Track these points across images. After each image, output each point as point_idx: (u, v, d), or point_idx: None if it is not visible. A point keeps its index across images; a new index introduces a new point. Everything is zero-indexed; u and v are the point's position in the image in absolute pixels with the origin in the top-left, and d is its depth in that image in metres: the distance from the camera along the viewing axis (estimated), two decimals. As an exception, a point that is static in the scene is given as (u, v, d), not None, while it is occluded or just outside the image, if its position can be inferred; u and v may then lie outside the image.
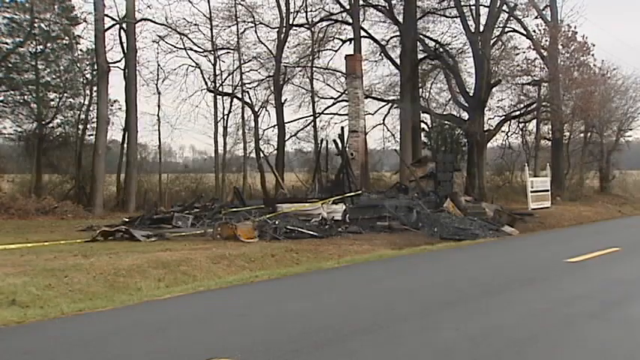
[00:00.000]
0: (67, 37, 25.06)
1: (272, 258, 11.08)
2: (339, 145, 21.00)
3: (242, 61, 27.57)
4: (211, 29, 27.06)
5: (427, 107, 30.51)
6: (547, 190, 23.74)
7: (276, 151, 28.37)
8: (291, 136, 29.13)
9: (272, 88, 28.18)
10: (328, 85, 29.79)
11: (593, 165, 33.18)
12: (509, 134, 30.65)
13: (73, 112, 26.19)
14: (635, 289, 8.31)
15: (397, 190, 20.34)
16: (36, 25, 23.46)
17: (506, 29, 27.91)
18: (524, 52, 26.51)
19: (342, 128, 21.92)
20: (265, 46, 28.43)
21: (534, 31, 26.79)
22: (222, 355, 5.07)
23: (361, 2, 27.78)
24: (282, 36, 27.66)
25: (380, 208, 16.72)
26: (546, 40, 25.77)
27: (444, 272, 10.35)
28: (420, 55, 28.75)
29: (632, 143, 34.68)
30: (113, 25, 24.37)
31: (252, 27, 28.27)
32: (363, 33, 28.10)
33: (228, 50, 27.84)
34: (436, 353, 5.17)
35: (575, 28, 25.46)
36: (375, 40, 29.77)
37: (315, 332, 5.83)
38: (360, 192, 18.76)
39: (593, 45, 25.17)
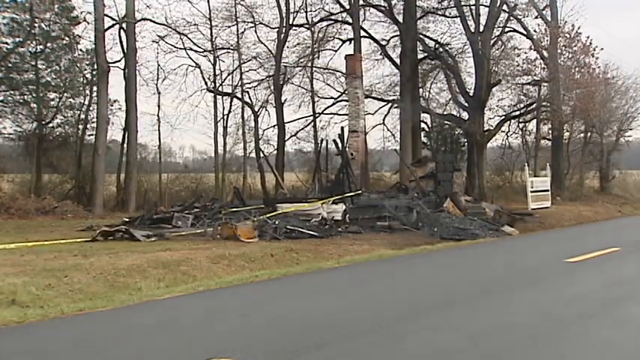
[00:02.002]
0: (67, 37, 25.06)
1: (272, 258, 11.09)
2: (339, 145, 21.01)
3: (242, 61, 27.61)
4: (211, 29, 27.14)
5: (427, 107, 30.50)
6: (547, 190, 23.73)
7: (276, 151, 28.39)
8: (291, 136, 29.18)
9: (272, 88, 28.19)
10: (328, 85, 29.87)
11: (593, 165, 33.18)
12: (509, 134, 30.70)
13: (73, 112, 26.25)
14: (635, 289, 8.31)
15: (397, 190, 20.36)
16: (36, 25, 23.46)
17: (506, 29, 27.94)
18: (525, 53, 26.55)
19: (342, 128, 21.96)
20: (265, 46, 28.50)
21: (535, 31, 26.83)
22: (222, 355, 5.07)
23: (361, 2, 27.78)
24: (282, 36, 27.67)
25: (380, 208, 16.74)
26: (547, 40, 25.76)
27: (443, 272, 10.35)
28: (420, 55, 28.76)
29: (632, 143, 34.71)
30: (113, 25, 24.41)
31: (252, 27, 28.36)
32: (363, 33, 28.12)
33: (228, 50, 27.90)
34: (436, 353, 5.17)
35: (579, 28, 25.50)
36: (375, 40, 29.80)
37: (315, 332, 5.84)
38: (360, 192, 18.78)
39: (602, 49, 25.20)
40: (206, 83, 27.43)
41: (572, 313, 6.64)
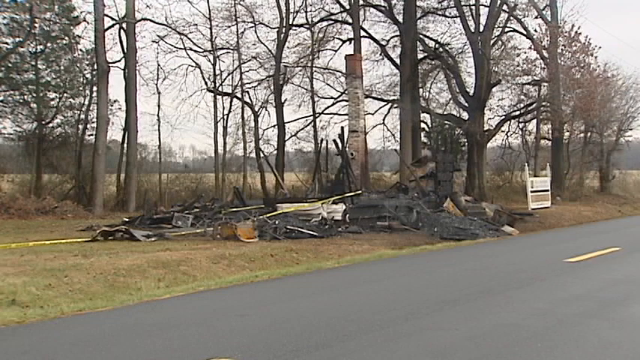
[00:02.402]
0: (67, 37, 25.08)
1: (272, 258, 11.09)
2: (339, 145, 21.01)
3: (242, 61, 27.61)
4: (211, 29, 27.14)
5: (427, 107, 30.54)
6: (547, 190, 23.75)
7: (276, 151, 28.39)
8: (291, 136, 29.18)
9: (272, 87, 28.19)
10: (328, 85, 29.86)
11: (593, 165, 33.23)
12: (509, 134, 30.77)
13: (73, 112, 26.26)
14: (635, 289, 8.31)
15: (397, 190, 20.37)
16: (36, 25, 23.47)
17: (507, 29, 27.94)
18: (525, 53, 26.57)
19: (342, 128, 21.97)
20: (265, 46, 28.51)
21: (535, 31, 26.85)
22: (222, 355, 5.08)
23: (361, 2, 27.80)
24: (282, 36, 27.67)
25: (380, 208, 16.74)
26: (547, 40, 25.77)
27: (443, 272, 10.34)
28: (420, 55, 28.80)
29: (632, 143, 34.79)
30: (113, 25, 24.44)
31: (251, 27, 28.37)
32: (363, 33, 28.15)
33: (228, 50, 27.90)
34: (436, 353, 5.17)
35: (579, 28, 25.52)
36: (375, 40, 29.83)
37: (315, 332, 5.84)
38: (360, 192, 18.78)
39: (599, 47, 25.24)
40: (206, 83, 27.47)
41: (572, 313, 6.64)
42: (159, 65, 27.09)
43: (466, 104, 27.36)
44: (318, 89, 29.66)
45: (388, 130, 31.76)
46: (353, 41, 27.06)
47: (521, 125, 30.63)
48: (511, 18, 27.23)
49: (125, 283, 8.59)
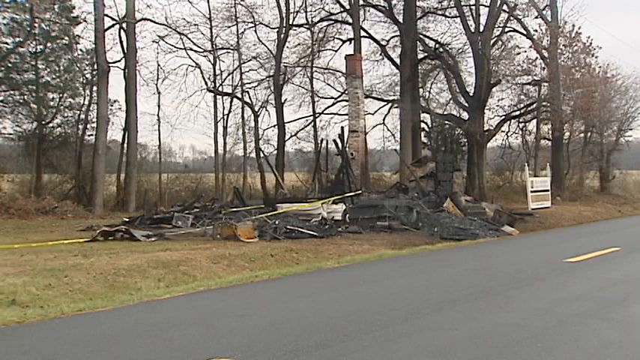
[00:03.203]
0: (67, 37, 25.09)
1: (272, 258, 11.09)
2: (339, 145, 21.01)
3: (242, 61, 27.62)
4: (211, 29, 27.15)
5: (427, 107, 30.55)
6: (547, 190, 23.76)
7: (276, 151, 28.39)
8: (291, 136, 29.19)
9: (272, 88, 28.19)
10: (328, 85, 29.89)
11: (593, 165, 33.23)
12: (509, 134, 30.78)
13: (73, 112, 26.27)
14: (635, 289, 8.31)
15: (397, 190, 20.37)
16: (36, 25, 23.47)
17: (507, 29, 27.95)
18: (525, 52, 26.59)
19: (342, 128, 21.97)
20: (265, 46, 28.52)
21: (535, 31, 26.86)
22: (222, 355, 5.08)
23: (361, 2, 27.80)
24: (282, 36, 27.67)
25: (380, 208, 16.75)
26: (547, 40, 25.78)
27: (443, 272, 10.34)
28: (420, 55, 28.80)
29: (632, 143, 34.79)
30: (113, 25, 24.45)
31: (252, 27, 28.38)
32: (363, 33, 28.15)
33: (228, 50, 27.91)
34: (436, 353, 5.17)
35: (579, 28, 25.56)
36: (375, 40, 29.83)
37: (315, 332, 5.84)
38: (360, 192, 18.78)
39: (600, 47, 25.29)
40: (206, 83, 27.48)
41: (572, 313, 6.64)
42: (159, 65, 27.19)
43: (466, 104, 27.36)
44: (318, 89, 29.72)
45: (388, 130, 31.83)
46: (353, 41, 27.06)
47: (521, 125, 30.67)
48: (511, 18, 27.24)
49: (125, 283, 8.59)
